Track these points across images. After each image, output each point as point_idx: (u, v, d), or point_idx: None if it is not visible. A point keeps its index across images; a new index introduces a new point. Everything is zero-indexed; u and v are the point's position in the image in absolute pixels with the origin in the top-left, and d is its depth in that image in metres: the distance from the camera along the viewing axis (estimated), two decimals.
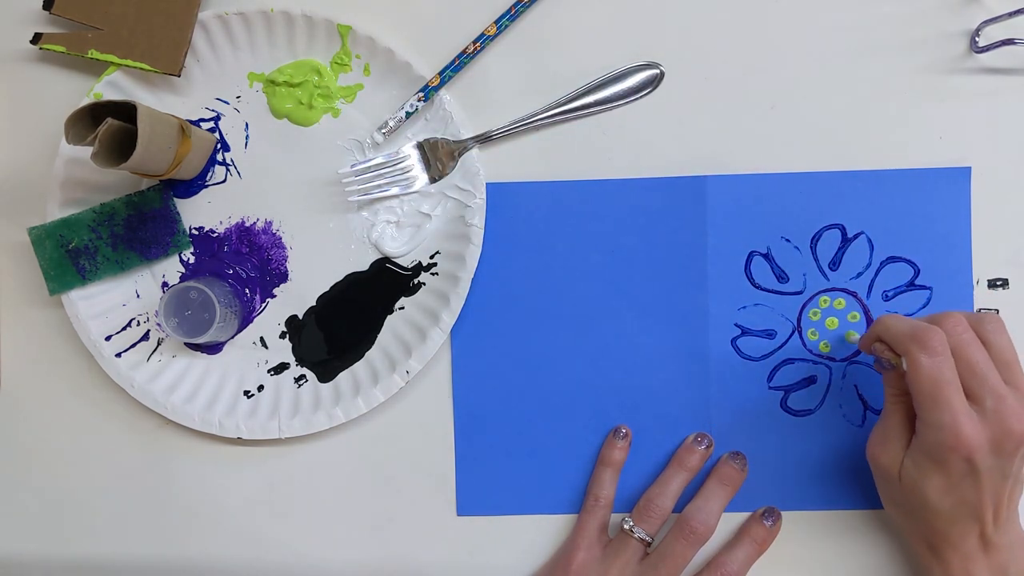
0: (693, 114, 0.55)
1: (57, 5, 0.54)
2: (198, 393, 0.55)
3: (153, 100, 0.55)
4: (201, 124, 0.56)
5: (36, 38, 0.54)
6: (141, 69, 0.54)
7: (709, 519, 0.52)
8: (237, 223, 0.56)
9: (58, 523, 0.57)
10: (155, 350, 0.56)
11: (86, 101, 0.51)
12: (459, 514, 0.56)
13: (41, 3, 0.54)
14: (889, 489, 0.49)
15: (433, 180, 0.55)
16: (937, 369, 0.44)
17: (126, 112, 0.49)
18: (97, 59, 0.54)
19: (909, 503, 0.48)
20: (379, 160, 0.55)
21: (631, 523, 0.53)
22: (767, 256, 0.55)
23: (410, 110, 0.54)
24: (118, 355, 0.55)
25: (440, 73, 0.54)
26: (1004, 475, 0.45)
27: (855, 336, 0.54)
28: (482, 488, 0.55)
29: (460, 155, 0.54)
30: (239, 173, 0.56)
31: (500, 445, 0.55)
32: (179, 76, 0.54)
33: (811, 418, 0.55)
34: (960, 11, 0.54)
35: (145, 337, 0.56)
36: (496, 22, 0.54)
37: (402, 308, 0.55)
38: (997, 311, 0.54)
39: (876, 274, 0.55)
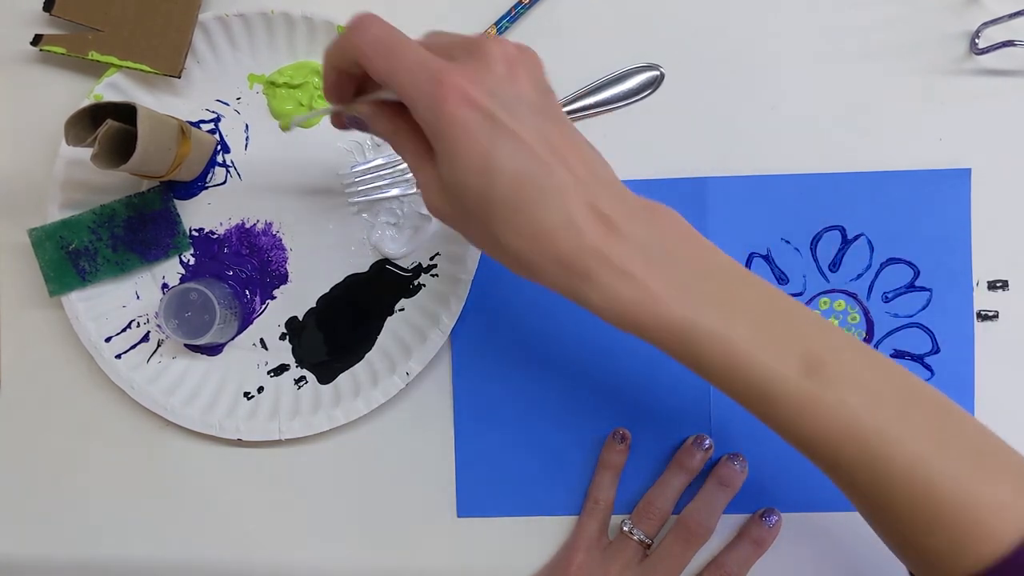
0: (693, 115, 0.55)
1: (57, 6, 0.54)
2: (198, 395, 0.55)
3: (153, 101, 0.55)
4: (201, 125, 0.56)
5: (36, 39, 0.54)
6: (141, 71, 0.54)
7: (708, 520, 0.52)
8: (237, 224, 0.56)
9: (58, 523, 0.57)
10: (155, 352, 0.56)
11: (86, 102, 0.51)
12: (459, 516, 0.56)
13: (42, 4, 0.54)
14: (471, 230, 0.39)
15: None
16: (376, 34, 0.37)
17: (126, 113, 0.49)
18: (97, 60, 0.54)
19: (488, 224, 0.37)
20: (379, 162, 0.55)
21: (630, 524, 0.53)
22: (767, 257, 0.55)
23: None
24: (118, 356, 0.55)
25: None
26: (536, 115, 0.36)
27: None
28: (482, 490, 0.55)
29: None
30: (239, 175, 0.56)
31: (500, 447, 0.55)
32: (179, 77, 0.54)
33: None
34: (960, 13, 0.54)
35: (145, 338, 0.56)
36: (496, 24, 0.54)
37: (402, 310, 0.55)
38: None
39: (876, 275, 0.55)
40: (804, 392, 0.36)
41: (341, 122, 0.43)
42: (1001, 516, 0.36)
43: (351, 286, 0.56)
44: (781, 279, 0.55)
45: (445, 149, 0.36)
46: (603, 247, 0.36)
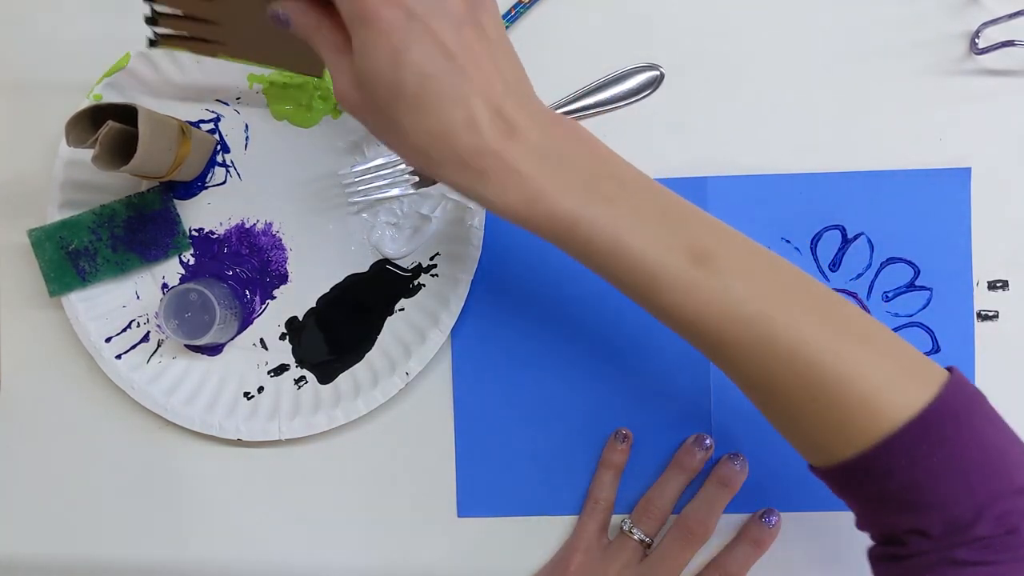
0: (693, 115, 0.55)
1: (162, 42, 0.46)
2: (198, 395, 0.55)
3: (153, 102, 0.55)
4: (201, 125, 0.56)
5: (154, 41, 0.46)
6: (281, 72, 0.52)
7: (707, 520, 0.52)
8: (237, 224, 0.56)
9: (58, 523, 0.57)
10: (155, 352, 0.56)
11: (86, 103, 0.51)
12: (460, 515, 0.56)
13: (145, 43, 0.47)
14: (379, 122, 0.40)
15: (433, 182, 0.55)
16: None
17: (126, 114, 0.49)
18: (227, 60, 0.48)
19: (395, 118, 0.38)
20: (379, 161, 0.55)
21: (630, 524, 0.53)
22: None
23: None
24: (118, 357, 0.55)
25: None
26: (457, 20, 0.37)
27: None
28: (482, 489, 0.55)
29: None
30: (239, 174, 0.56)
31: (500, 447, 0.55)
32: (320, 77, 0.49)
33: None
34: (960, 13, 0.54)
35: (145, 339, 0.56)
36: None
37: (402, 309, 0.55)
38: None
39: (876, 275, 0.55)
40: (690, 279, 0.38)
41: (275, 19, 0.44)
42: (887, 395, 0.37)
43: (351, 286, 0.56)
44: None
45: (361, 40, 0.37)
46: (499, 148, 0.38)
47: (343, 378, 0.56)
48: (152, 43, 0.46)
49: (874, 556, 0.42)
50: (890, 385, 0.38)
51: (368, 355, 0.55)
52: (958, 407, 0.38)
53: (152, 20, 0.45)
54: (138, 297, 0.56)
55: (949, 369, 0.39)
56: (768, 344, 0.38)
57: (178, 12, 0.44)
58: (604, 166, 0.40)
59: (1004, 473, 0.37)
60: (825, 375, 0.38)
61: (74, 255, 0.54)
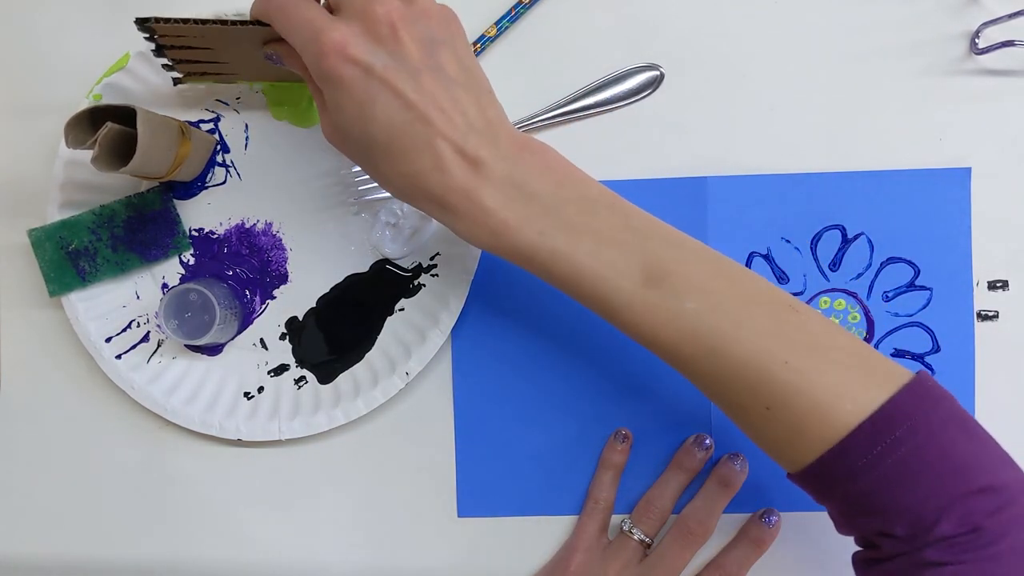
0: (693, 115, 0.55)
1: (185, 78, 0.52)
2: (198, 395, 0.55)
3: (153, 102, 0.55)
4: (201, 125, 0.56)
5: (177, 80, 0.52)
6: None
7: (707, 520, 0.52)
8: (237, 224, 0.56)
9: (58, 523, 0.57)
10: (155, 352, 0.56)
11: (86, 103, 0.51)
12: (459, 516, 0.56)
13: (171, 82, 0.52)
14: (360, 162, 0.44)
15: None
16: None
17: (126, 115, 0.49)
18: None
19: (371, 162, 0.42)
20: None
21: (630, 524, 0.53)
22: (767, 257, 0.55)
23: None
24: (118, 357, 0.55)
25: None
26: (414, 70, 0.40)
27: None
28: (483, 490, 0.55)
29: None
30: (239, 174, 0.56)
31: (501, 447, 0.55)
32: None
33: None
34: (960, 13, 0.54)
35: (145, 339, 0.56)
36: (496, 23, 0.54)
37: (402, 310, 0.55)
38: None
39: (876, 275, 0.55)
40: (643, 299, 0.41)
41: (268, 59, 0.47)
42: (837, 400, 0.39)
43: (351, 286, 0.56)
44: (781, 278, 0.55)
45: (330, 97, 0.41)
46: (466, 185, 0.41)
47: (343, 378, 0.56)
48: (176, 81, 0.52)
49: (856, 560, 0.43)
50: (841, 390, 0.39)
51: (368, 355, 0.55)
52: (913, 409, 0.38)
53: (169, 67, 0.50)
54: (138, 297, 0.56)
55: (919, 373, 0.40)
56: (721, 357, 0.40)
57: (175, 44, 0.48)
58: (569, 190, 0.42)
59: (965, 474, 0.38)
60: (775, 384, 0.39)
61: (74, 255, 0.54)
